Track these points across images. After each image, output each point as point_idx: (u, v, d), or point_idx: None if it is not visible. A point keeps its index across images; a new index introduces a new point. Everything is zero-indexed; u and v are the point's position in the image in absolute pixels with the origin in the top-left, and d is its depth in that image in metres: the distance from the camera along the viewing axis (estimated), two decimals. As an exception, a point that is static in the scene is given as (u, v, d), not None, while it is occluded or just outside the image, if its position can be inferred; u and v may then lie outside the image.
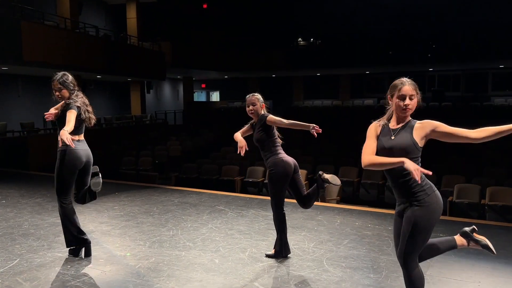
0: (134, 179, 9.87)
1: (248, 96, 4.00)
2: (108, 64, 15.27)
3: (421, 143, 2.47)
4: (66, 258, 3.96)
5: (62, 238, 4.49)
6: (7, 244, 4.37)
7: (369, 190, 9.61)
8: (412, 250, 2.48)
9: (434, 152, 12.07)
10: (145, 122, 19.30)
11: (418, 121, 2.51)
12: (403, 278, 3.43)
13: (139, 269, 3.70)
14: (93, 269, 3.71)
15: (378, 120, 2.65)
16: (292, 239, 4.46)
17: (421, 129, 2.46)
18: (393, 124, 2.55)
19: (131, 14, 18.87)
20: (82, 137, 4.01)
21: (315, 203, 6.30)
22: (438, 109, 19.55)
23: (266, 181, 9.60)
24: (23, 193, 6.84)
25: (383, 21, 22.16)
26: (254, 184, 9.95)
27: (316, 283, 3.39)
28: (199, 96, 31.34)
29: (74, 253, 3.98)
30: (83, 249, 3.97)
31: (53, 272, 3.65)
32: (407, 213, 2.49)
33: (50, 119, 4.02)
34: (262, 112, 3.91)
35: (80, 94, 4.05)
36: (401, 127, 2.51)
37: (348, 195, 9.40)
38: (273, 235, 4.58)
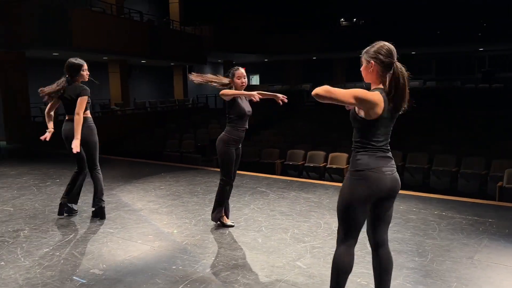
0: (178, 161, 10.14)
1: (239, 68, 4.20)
2: (152, 49, 15.62)
3: (360, 113, 2.31)
4: (117, 234, 4.17)
5: (113, 215, 4.76)
6: (62, 220, 4.64)
7: (414, 175, 9.39)
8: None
9: (483, 137, 11.57)
10: (187, 106, 19.69)
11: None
12: (448, 262, 3.38)
13: (186, 246, 3.85)
14: (143, 245, 3.89)
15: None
16: (334, 221, 4.46)
17: None
18: None
19: (174, -2, 19.12)
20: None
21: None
22: (488, 90, 18.63)
23: (305, 163, 9.61)
24: (76, 172, 7.20)
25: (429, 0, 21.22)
26: (294, 167, 9.96)
27: (359, 265, 3.39)
28: (239, 80, 31.45)
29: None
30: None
31: (105, 247, 3.87)
32: None
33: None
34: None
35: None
36: None
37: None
38: (314, 217, 4.62)
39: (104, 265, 3.44)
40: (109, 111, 14.43)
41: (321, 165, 9.37)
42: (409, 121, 14.86)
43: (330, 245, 3.80)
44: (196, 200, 5.40)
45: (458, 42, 19.81)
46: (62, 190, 5.95)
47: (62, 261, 3.52)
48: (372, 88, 2.36)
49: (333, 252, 3.60)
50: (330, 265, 3.35)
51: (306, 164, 9.72)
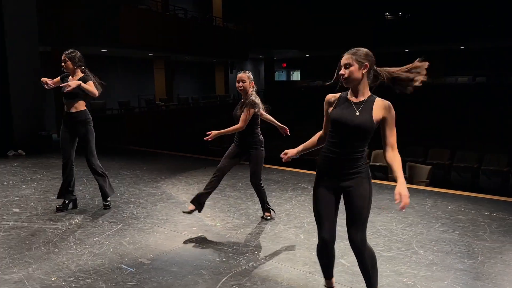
0: (220, 155, 10.26)
1: (239, 72, 4.18)
2: (195, 45, 15.88)
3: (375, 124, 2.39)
4: (163, 226, 4.29)
5: (159, 207, 4.90)
6: (111, 210, 4.83)
7: (461, 174, 9.05)
8: None
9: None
10: (228, 102, 19.88)
11: (379, 98, 2.41)
12: (500, 265, 3.24)
13: (229, 239, 3.90)
14: (187, 236, 3.98)
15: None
16: (378, 219, 4.39)
17: (382, 109, 2.39)
18: (351, 97, 2.44)
19: (217, -5, 19.32)
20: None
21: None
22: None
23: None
24: (123, 165, 7.48)
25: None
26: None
27: (405, 265, 3.32)
28: (279, 76, 31.40)
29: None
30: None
31: (152, 237, 3.99)
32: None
33: (51, 87, 4.71)
34: (251, 90, 4.13)
35: (88, 71, 4.69)
36: (364, 102, 2.41)
37: (438, 178, 8.93)
38: (358, 215, 4.54)
39: (151, 255, 3.55)
40: (154, 106, 14.82)
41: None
42: (457, 118, 14.29)
43: (374, 244, 3.73)
44: (238, 195, 5.46)
45: (510, 36, 18.77)
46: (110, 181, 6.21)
47: (111, 250, 3.67)
48: (352, 91, 2.46)
49: (378, 252, 3.55)
50: (374, 264, 3.30)
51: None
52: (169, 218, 4.51)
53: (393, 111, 2.40)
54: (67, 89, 4.43)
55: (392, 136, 2.40)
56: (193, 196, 4.23)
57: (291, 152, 2.75)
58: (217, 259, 3.47)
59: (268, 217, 4.39)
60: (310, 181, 6.17)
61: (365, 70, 2.39)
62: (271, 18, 23.25)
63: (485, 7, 19.63)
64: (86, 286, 3.00)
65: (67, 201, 4.83)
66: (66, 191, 4.82)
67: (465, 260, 3.39)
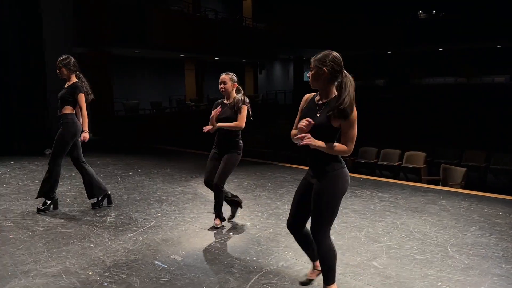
0: (248, 155, 10.30)
1: (222, 74, 4.16)
2: (225, 46, 16.00)
3: (335, 124, 2.46)
4: (195, 224, 4.35)
5: (190, 205, 4.97)
6: (144, 207, 4.94)
7: (498, 176, 8.74)
8: None
9: None
10: (257, 102, 19.92)
11: (345, 101, 2.39)
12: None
13: (259, 238, 3.92)
14: (218, 235, 4.02)
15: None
16: (411, 222, 4.30)
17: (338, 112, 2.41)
18: (318, 98, 2.57)
19: (247, -4, 19.41)
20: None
21: (436, 187, 5.96)
22: None
23: (378, 162, 9.29)
24: (155, 164, 7.62)
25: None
26: (366, 165, 9.70)
27: (439, 268, 3.24)
28: (307, 76, 31.21)
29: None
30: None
31: (184, 235, 4.05)
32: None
33: None
34: (232, 91, 4.12)
35: (82, 76, 4.83)
36: (326, 103, 2.50)
37: (473, 181, 8.66)
38: (390, 217, 4.47)
39: (183, 252, 3.61)
40: (185, 107, 15.03)
41: (396, 164, 9.03)
42: (494, 120, 13.82)
43: (407, 247, 3.66)
44: (267, 195, 5.47)
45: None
46: (142, 180, 6.36)
47: (144, 246, 3.75)
48: (319, 93, 2.58)
49: (411, 255, 3.49)
50: (408, 267, 3.26)
51: (379, 163, 9.42)
52: (200, 217, 4.57)
53: (354, 112, 2.42)
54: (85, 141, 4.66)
55: (349, 134, 2.44)
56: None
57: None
58: (248, 257, 3.49)
59: (218, 226, 4.19)
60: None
61: (323, 76, 2.46)
62: (300, 18, 23.17)
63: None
64: (121, 281, 3.08)
65: (100, 198, 4.97)
66: (94, 189, 4.92)
67: (503, 265, 3.28)
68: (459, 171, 6.91)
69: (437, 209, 4.76)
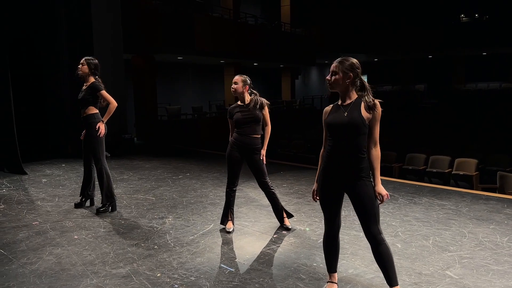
0: (291, 160, 10.25)
1: (236, 75, 4.18)
2: (264, 51, 16.05)
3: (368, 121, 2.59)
4: (253, 228, 4.32)
5: (245, 209, 4.95)
6: (200, 210, 4.96)
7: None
8: None
9: None
10: (294, 107, 19.86)
11: (368, 99, 2.57)
12: None
13: (321, 244, 3.83)
14: (279, 239, 3.98)
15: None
16: (479, 231, 4.12)
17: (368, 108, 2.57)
18: (340, 102, 2.65)
19: (285, 1, 19.42)
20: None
21: (497, 194, 5.71)
22: None
23: (427, 168, 9.00)
24: (202, 168, 7.69)
25: None
26: (414, 171, 9.42)
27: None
28: (345, 81, 30.85)
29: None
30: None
31: (244, 238, 4.03)
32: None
33: None
34: (245, 93, 4.11)
35: (100, 81, 4.86)
36: (352, 104, 2.60)
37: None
38: (455, 226, 4.30)
39: (247, 256, 3.59)
40: (225, 112, 15.14)
41: (446, 171, 8.73)
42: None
43: (480, 256, 3.49)
44: (322, 200, 5.38)
45: None
46: (193, 183, 6.41)
47: (207, 249, 3.75)
48: (341, 97, 2.67)
49: (486, 265, 3.33)
50: (485, 278, 3.10)
51: (428, 169, 9.14)
52: (257, 221, 4.54)
53: (379, 109, 2.59)
54: (102, 135, 4.72)
55: (376, 132, 2.61)
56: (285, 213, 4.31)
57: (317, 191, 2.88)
58: (314, 264, 3.42)
59: (289, 226, 4.25)
60: (395, 188, 5.96)
61: (348, 80, 2.59)
62: (338, 23, 22.97)
63: None
64: (191, 284, 3.08)
65: (84, 199, 5.09)
66: (83, 190, 5.08)
67: None
68: (520, 178, 6.59)
69: (504, 218, 4.54)
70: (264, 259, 3.54)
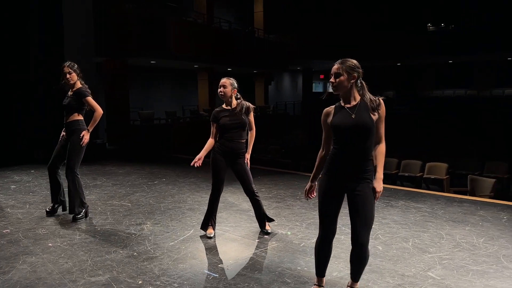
0: (268, 165, 10.25)
1: (222, 78, 4.10)
2: (238, 57, 16.05)
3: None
4: (234, 233, 4.27)
5: (225, 213, 4.90)
6: (178, 216, 4.87)
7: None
8: None
9: None
10: (268, 113, 19.92)
11: (372, 99, 2.59)
12: None
13: (305, 248, 3.84)
14: (261, 244, 3.95)
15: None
16: (456, 233, 4.22)
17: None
18: (344, 104, 2.62)
19: (258, 8, 19.53)
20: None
21: (470, 197, 5.88)
22: None
23: (399, 173, 9.20)
24: (178, 173, 7.57)
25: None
26: (387, 176, 9.60)
27: (499, 279, 3.15)
28: (316, 87, 31.26)
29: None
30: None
31: (226, 243, 3.98)
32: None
33: None
34: (233, 97, 4.07)
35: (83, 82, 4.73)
36: (357, 105, 2.59)
37: (496, 192, 8.56)
38: (433, 228, 4.39)
39: (230, 261, 3.53)
40: (199, 116, 15.02)
41: (418, 175, 8.95)
42: (509, 131, 13.76)
43: (459, 257, 3.58)
44: (301, 204, 5.39)
45: None
46: (169, 188, 6.30)
47: (189, 255, 3.68)
48: (343, 99, 2.65)
49: (466, 265, 3.41)
50: (466, 278, 3.17)
51: (400, 174, 9.34)
52: (238, 226, 4.50)
53: (383, 108, 2.62)
54: (84, 143, 4.56)
55: (381, 129, 2.63)
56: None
57: (312, 189, 3.00)
58: (298, 267, 3.41)
59: (269, 230, 4.21)
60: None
61: (353, 81, 2.60)
62: (311, 30, 23.27)
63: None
64: (175, 290, 3.01)
65: (56, 206, 4.88)
66: (55, 197, 4.86)
67: None
68: (488, 182, 6.83)
69: (478, 219, 4.67)
70: (248, 264, 3.50)
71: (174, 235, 4.18)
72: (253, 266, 3.45)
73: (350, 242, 2.68)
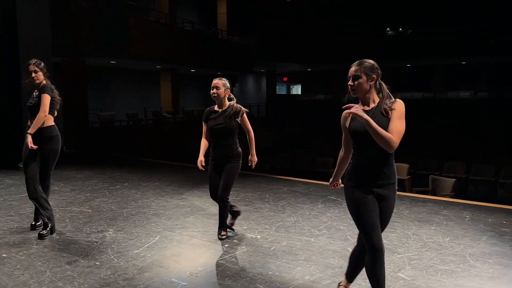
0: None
1: (214, 79, 3.95)
2: (201, 58, 15.86)
3: None
4: (202, 238, 4.14)
5: (191, 219, 4.75)
6: (143, 222, 4.68)
7: (478, 187, 8.99)
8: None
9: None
10: (232, 114, 19.78)
11: (390, 101, 2.45)
12: None
13: (275, 251, 3.76)
14: (231, 249, 3.84)
15: None
16: (423, 232, 4.28)
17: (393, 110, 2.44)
18: (363, 107, 2.49)
19: (222, 9, 19.40)
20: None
21: (433, 197, 6.02)
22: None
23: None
24: (141, 177, 7.32)
25: (483, 7, 20.50)
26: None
27: (467, 278, 3.20)
28: (279, 90, 31.47)
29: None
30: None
31: (194, 250, 3.84)
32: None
33: None
34: (226, 98, 3.93)
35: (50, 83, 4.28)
36: (374, 108, 2.47)
37: (456, 192, 8.85)
38: (400, 228, 4.44)
39: (199, 268, 3.41)
40: (161, 118, 14.70)
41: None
42: (465, 132, 14.34)
43: (427, 257, 3.61)
44: (269, 207, 5.32)
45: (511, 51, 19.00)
46: (132, 193, 6.07)
47: (155, 263, 3.51)
48: (362, 102, 2.53)
49: (434, 265, 3.44)
50: (435, 278, 3.20)
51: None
52: (206, 231, 4.37)
53: (399, 106, 2.43)
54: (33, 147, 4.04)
55: (393, 127, 2.38)
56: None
57: (337, 182, 2.91)
58: (270, 272, 3.33)
59: (223, 236, 4.05)
60: (339, 193, 6.05)
61: (372, 82, 2.48)
62: (275, 32, 23.36)
63: (487, 22, 19.88)
64: (141, 301, 2.85)
65: (40, 221, 4.31)
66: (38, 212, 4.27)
67: (528, 274, 3.28)
68: (449, 182, 7.02)
69: (442, 219, 4.77)
70: (218, 270, 3.38)
71: (139, 242, 4.00)
72: (223, 272, 3.34)
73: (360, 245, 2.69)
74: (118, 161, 9.47)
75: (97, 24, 11.69)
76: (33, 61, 4.27)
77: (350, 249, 3.80)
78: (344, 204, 5.38)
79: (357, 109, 2.32)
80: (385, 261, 3.50)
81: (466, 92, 21.56)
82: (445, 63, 22.53)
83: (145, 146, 12.39)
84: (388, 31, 25.14)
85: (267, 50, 20.98)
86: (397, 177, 2.54)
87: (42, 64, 4.29)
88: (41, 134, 4.12)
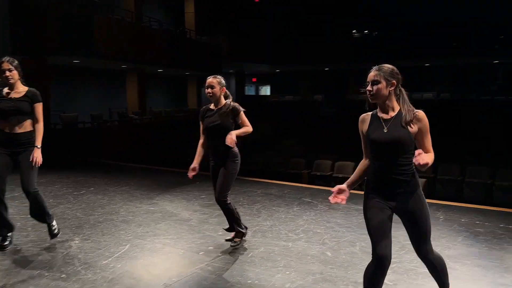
0: (204, 169, 9.92)
1: (208, 77, 3.82)
2: (169, 58, 15.52)
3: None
4: (176, 246, 3.95)
5: (163, 225, 4.55)
6: (111, 229, 4.43)
7: (446, 187, 9.18)
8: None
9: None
10: (201, 115, 19.50)
11: (409, 110, 2.37)
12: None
13: (253, 258, 3.63)
14: (207, 257, 3.67)
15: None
16: (399, 234, 4.20)
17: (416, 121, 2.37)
18: (381, 114, 2.44)
19: (189, 8, 19.09)
20: None
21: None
22: (504, 102, 18.44)
23: (334, 174, 9.36)
24: (107, 181, 7.00)
25: (446, 10, 21.18)
26: (322, 177, 9.75)
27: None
28: (248, 90, 31.38)
29: None
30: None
31: (169, 258, 3.66)
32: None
33: None
34: (222, 96, 3.81)
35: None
36: (393, 118, 2.39)
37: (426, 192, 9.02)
38: (377, 229, 4.39)
39: (174, 278, 3.22)
40: (128, 119, 14.25)
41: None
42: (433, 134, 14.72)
43: (407, 260, 3.58)
44: (244, 211, 5.17)
45: (474, 54, 19.71)
46: (99, 199, 5.78)
47: (126, 274, 3.31)
48: (380, 108, 2.46)
49: (414, 268, 3.40)
50: (417, 282, 3.15)
51: (334, 175, 9.52)
52: (180, 237, 4.18)
53: (425, 120, 2.38)
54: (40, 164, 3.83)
55: (427, 143, 2.38)
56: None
57: (344, 191, 2.60)
58: (248, 281, 3.19)
59: (237, 243, 3.87)
60: (313, 195, 5.99)
61: (392, 88, 2.40)
62: (243, 33, 23.24)
63: (449, 26, 20.55)
64: (112, 318, 2.64)
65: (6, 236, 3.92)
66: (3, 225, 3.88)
67: (505, 275, 3.30)
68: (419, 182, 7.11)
69: (417, 220, 4.77)
70: (194, 280, 3.21)
71: (107, 252, 3.76)
72: (199, 283, 3.17)
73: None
74: (83, 165, 9.08)
75: (60, 22, 11.19)
76: (6, 58, 3.86)
77: (330, 254, 3.74)
78: (320, 206, 5.35)
79: (421, 156, 2.17)
80: (365, 265, 3.45)
81: (429, 93, 22.16)
82: (409, 64, 23.11)
83: (111, 148, 11.97)
84: (355, 33, 25.55)
85: (235, 51, 20.82)
86: (420, 184, 2.46)
87: (16, 62, 3.87)
88: (22, 140, 3.83)
